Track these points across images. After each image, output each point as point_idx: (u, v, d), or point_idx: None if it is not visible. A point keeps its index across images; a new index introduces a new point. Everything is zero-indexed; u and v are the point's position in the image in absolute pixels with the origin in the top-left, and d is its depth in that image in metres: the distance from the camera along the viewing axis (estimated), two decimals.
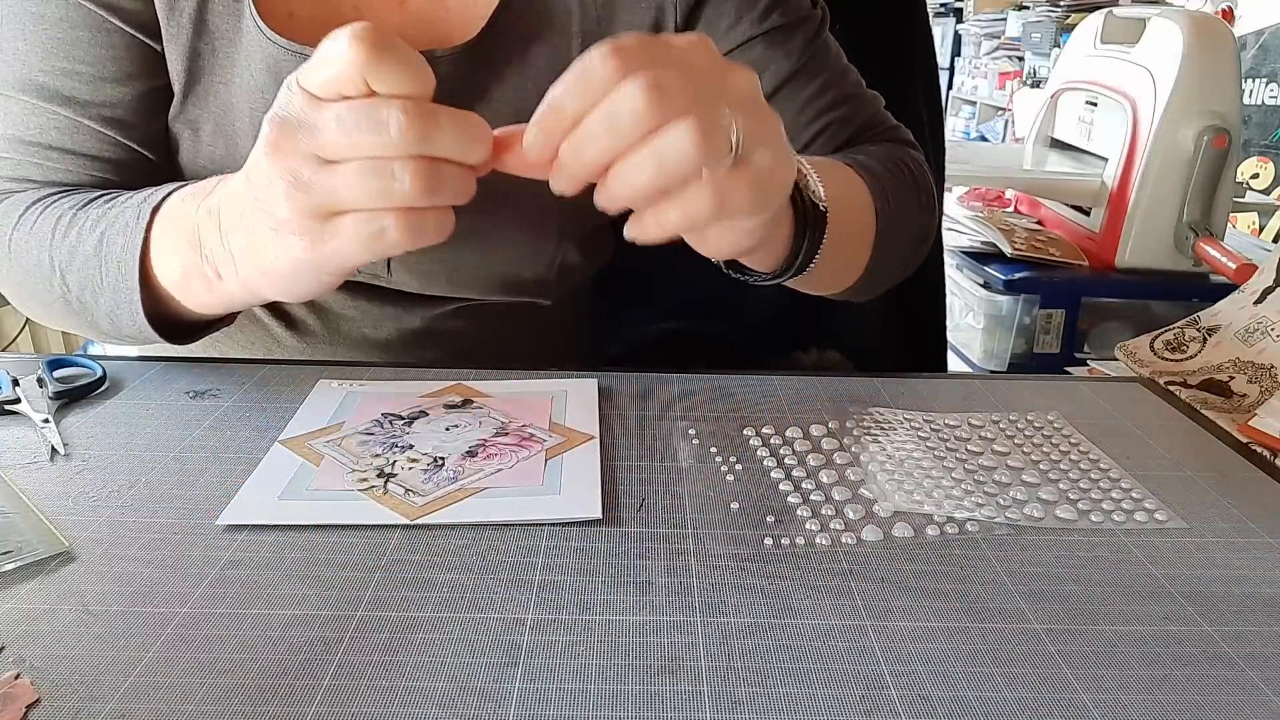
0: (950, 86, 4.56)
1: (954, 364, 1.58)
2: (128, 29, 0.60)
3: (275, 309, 0.69)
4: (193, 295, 0.53)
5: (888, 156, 0.67)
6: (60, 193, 0.59)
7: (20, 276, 0.59)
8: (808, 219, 0.52)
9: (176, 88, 0.62)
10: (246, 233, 0.46)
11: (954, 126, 4.39)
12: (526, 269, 0.69)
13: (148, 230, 0.52)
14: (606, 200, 0.42)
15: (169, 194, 0.53)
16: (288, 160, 0.41)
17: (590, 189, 0.71)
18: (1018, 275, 1.50)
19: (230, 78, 0.61)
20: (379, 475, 0.48)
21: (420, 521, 0.44)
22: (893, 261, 0.67)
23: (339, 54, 0.40)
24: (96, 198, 0.57)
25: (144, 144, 0.62)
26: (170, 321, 0.56)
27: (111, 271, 0.54)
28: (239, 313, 0.59)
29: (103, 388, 0.58)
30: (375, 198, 0.41)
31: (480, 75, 0.64)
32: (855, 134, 0.69)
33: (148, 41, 0.60)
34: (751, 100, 0.42)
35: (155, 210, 0.53)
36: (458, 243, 0.66)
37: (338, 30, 0.40)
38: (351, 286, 0.67)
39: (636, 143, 0.39)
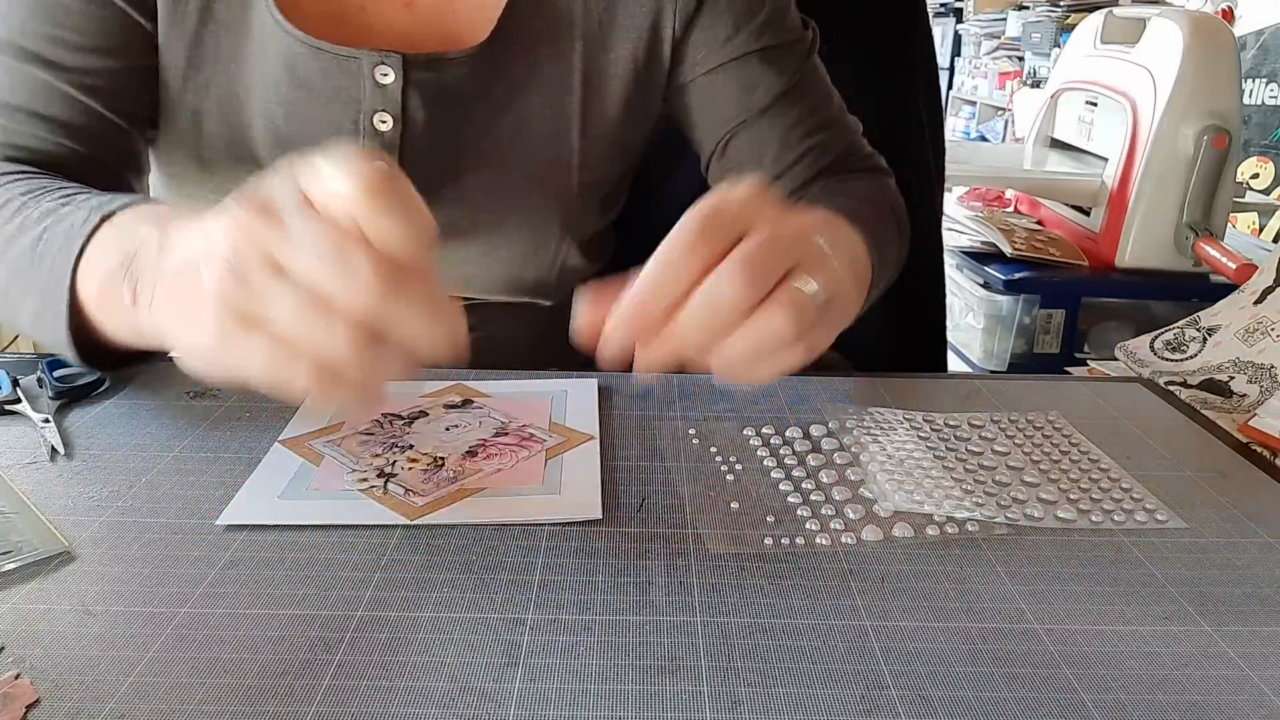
0: (950, 86, 4.56)
1: (954, 364, 1.58)
2: (123, 5, 0.59)
3: None
4: (107, 311, 0.47)
5: (873, 195, 0.68)
6: (17, 174, 0.56)
7: None
8: None
9: (176, 74, 0.61)
10: (179, 267, 0.41)
11: (954, 126, 4.38)
12: (529, 270, 0.69)
13: (91, 235, 0.48)
14: (709, 369, 0.43)
15: (128, 204, 0.49)
16: (242, 241, 0.37)
17: (590, 199, 0.71)
18: (1018, 275, 1.50)
19: (237, 68, 0.61)
20: (379, 475, 0.48)
21: (420, 521, 0.44)
22: (875, 298, 0.68)
23: (344, 182, 0.36)
24: (54, 189, 0.53)
25: (122, 116, 0.61)
26: (92, 345, 0.50)
27: (44, 271, 0.49)
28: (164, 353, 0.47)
29: (103, 388, 0.58)
30: (302, 336, 0.36)
31: (490, 80, 0.64)
32: (835, 160, 0.70)
33: (142, 22, 0.60)
34: (819, 245, 0.44)
35: (106, 218, 0.48)
36: (462, 242, 0.67)
37: (357, 153, 0.37)
38: None
39: (735, 324, 0.41)
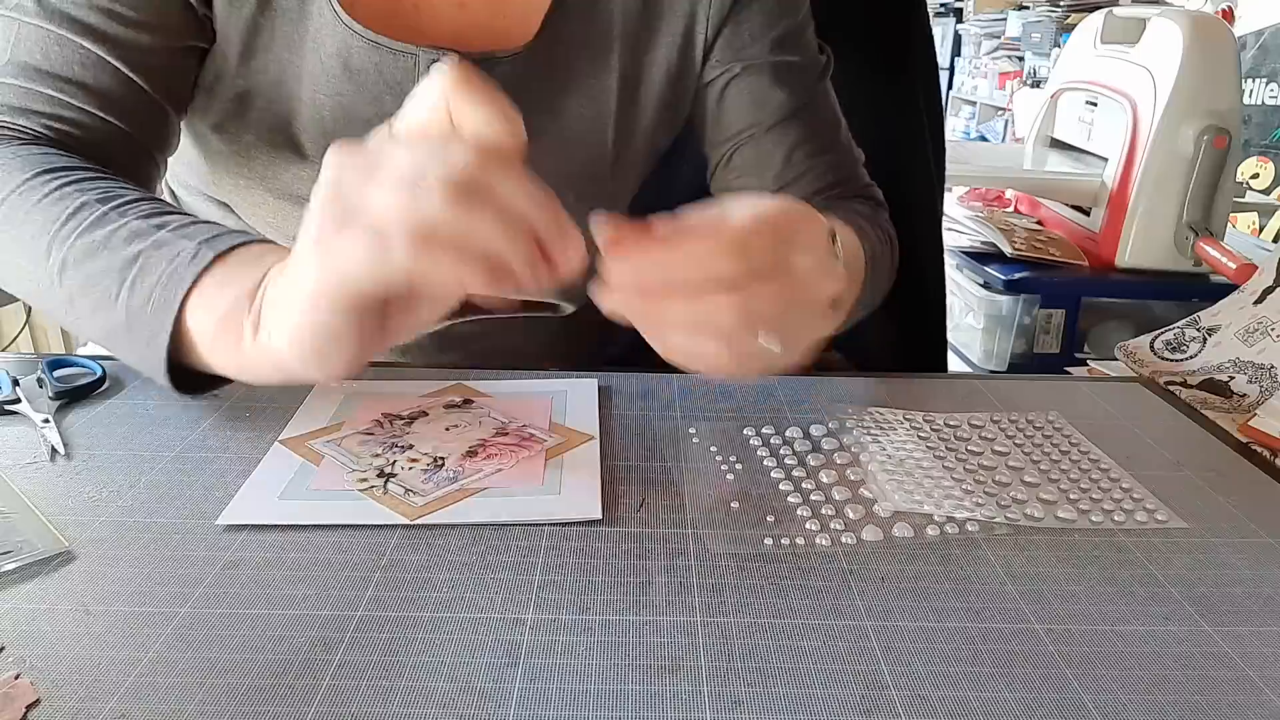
0: (950, 86, 4.56)
1: (954, 364, 1.58)
2: None
3: None
4: (217, 346, 0.45)
5: (870, 218, 0.69)
6: (83, 174, 0.53)
7: None
8: None
9: (229, 58, 0.61)
10: (292, 269, 0.41)
11: (954, 126, 4.38)
12: None
13: (204, 272, 0.45)
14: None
15: (240, 243, 0.47)
16: (339, 166, 0.39)
17: (619, 202, 0.72)
18: (1018, 275, 1.50)
19: (291, 57, 0.61)
20: (379, 475, 0.48)
21: (420, 521, 0.44)
22: (857, 316, 0.68)
23: (433, 84, 0.39)
24: (133, 199, 0.51)
25: (163, 95, 0.60)
26: (177, 365, 0.48)
27: (138, 295, 0.46)
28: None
29: (103, 388, 0.58)
30: (393, 209, 0.36)
31: (533, 80, 0.64)
32: (834, 184, 0.71)
33: (195, 5, 0.59)
34: (819, 312, 0.44)
35: (219, 256, 0.46)
36: None
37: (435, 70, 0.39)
38: None
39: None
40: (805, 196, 0.70)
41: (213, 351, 0.45)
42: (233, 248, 0.46)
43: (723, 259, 0.40)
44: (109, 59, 0.57)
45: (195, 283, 0.45)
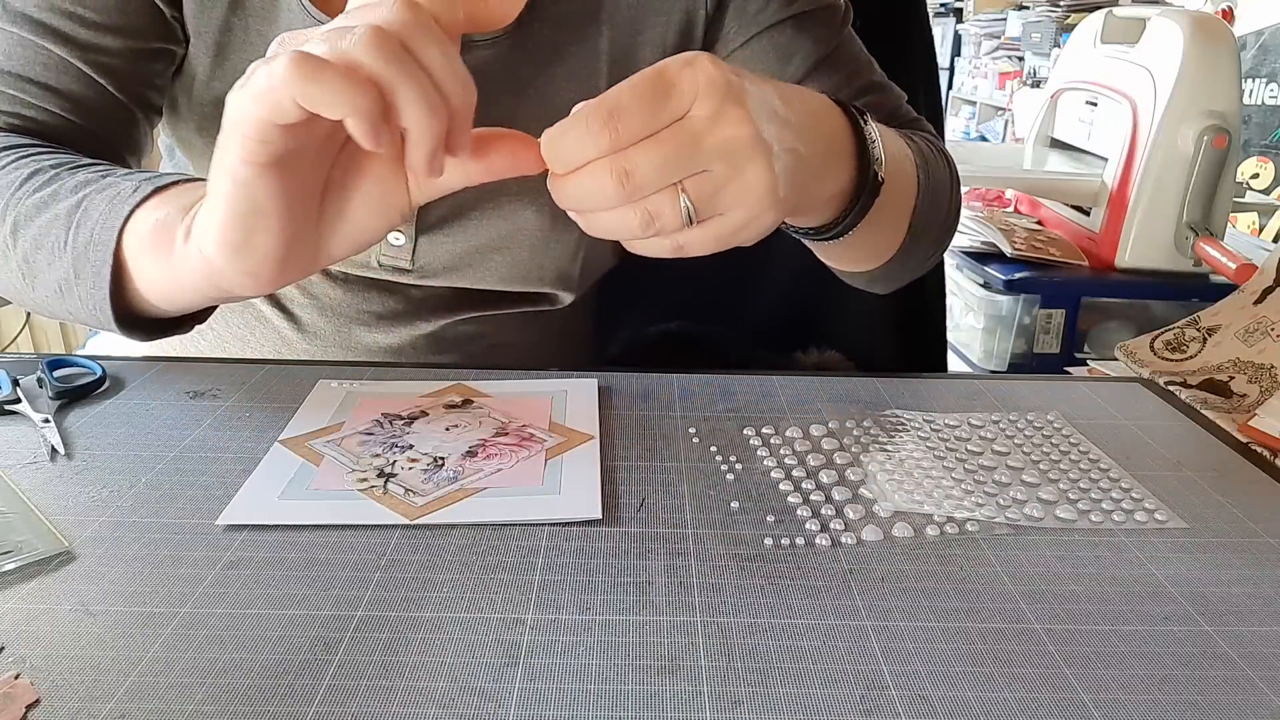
0: (950, 86, 4.56)
1: (954, 364, 1.58)
2: None
3: (286, 312, 0.69)
4: (152, 257, 0.47)
5: (922, 138, 0.67)
6: (40, 148, 0.55)
7: None
8: (865, 185, 0.51)
9: (204, 60, 0.61)
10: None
11: (954, 126, 4.38)
12: (550, 258, 0.68)
13: (142, 202, 0.48)
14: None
15: (180, 179, 0.49)
16: (286, 40, 0.40)
17: None
18: (1018, 275, 1.50)
19: (263, 55, 0.62)
20: (379, 475, 0.48)
21: (420, 521, 0.44)
22: (923, 241, 0.66)
23: None
24: (85, 163, 0.53)
25: (130, 97, 0.61)
26: (127, 311, 0.51)
27: (83, 234, 0.49)
28: (196, 319, 0.53)
29: (103, 388, 0.58)
30: (322, 55, 0.37)
31: (517, 63, 0.63)
32: (881, 121, 0.69)
33: (163, 8, 0.60)
34: (736, 157, 0.41)
35: (158, 190, 0.48)
36: (485, 226, 0.67)
37: None
38: (366, 289, 0.67)
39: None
40: None
41: (145, 265, 0.47)
42: (174, 183, 0.49)
43: (587, 128, 0.39)
44: (72, 61, 0.58)
45: (133, 211, 0.47)
